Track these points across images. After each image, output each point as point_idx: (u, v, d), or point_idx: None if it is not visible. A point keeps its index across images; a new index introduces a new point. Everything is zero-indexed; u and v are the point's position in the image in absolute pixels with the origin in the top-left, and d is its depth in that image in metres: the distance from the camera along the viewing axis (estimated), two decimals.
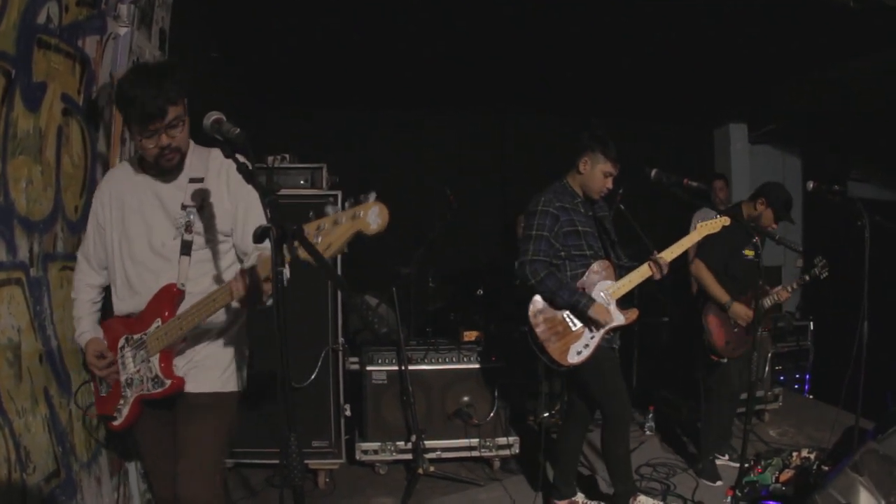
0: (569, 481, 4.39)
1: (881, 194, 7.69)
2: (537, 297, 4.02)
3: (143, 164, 2.80)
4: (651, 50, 6.13)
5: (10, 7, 2.57)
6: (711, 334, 4.84)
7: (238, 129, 2.35)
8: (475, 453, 5.22)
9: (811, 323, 7.07)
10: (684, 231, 5.02)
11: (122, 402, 2.78)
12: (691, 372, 5.33)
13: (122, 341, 2.79)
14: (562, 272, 4.04)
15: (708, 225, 4.16)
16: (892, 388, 5.65)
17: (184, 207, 2.72)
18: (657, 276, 4.04)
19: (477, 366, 5.25)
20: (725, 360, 4.91)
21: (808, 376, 7.17)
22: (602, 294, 4.05)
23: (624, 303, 4.14)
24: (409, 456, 5.09)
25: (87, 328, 2.88)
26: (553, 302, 4.00)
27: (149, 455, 2.96)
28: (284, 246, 1.98)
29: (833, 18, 5.14)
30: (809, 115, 8.15)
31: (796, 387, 7.16)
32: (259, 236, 2.03)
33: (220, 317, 2.74)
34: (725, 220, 4.18)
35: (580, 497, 4.38)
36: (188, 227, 2.72)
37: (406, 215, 7.12)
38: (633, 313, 4.11)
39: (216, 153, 2.69)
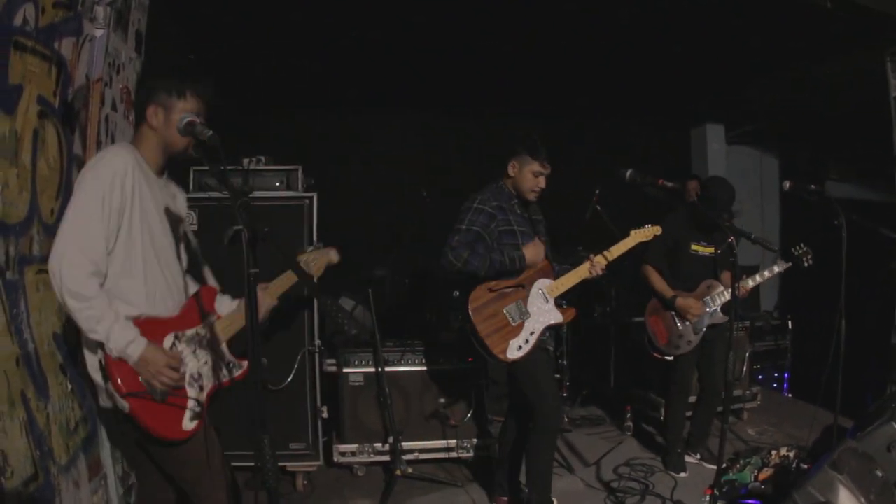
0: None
1: (859, 194, 7.74)
2: (476, 293, 3.94)
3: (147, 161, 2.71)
4: (627, 49, 6.12)
5: None
6: (654, 334, 5.02)
7: (211, 132, 2.36)
8: (453, 454, 5.19)
9: (789, 322, 7.11)
10: None
11: (192, 401, 2.66)
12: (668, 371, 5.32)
13: (169, 339, 2.65)
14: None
15: (641, 232, 4.25)
16: (871, 389, 5.68)
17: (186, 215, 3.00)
18: (593, 275, 4.08)
19: (453, 367, 5.22)
20: (671, 359, 5.02)
21: (786, 375, 7.21)
22: (541, 291, 4.08)
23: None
24: (386, 457, 5.05)
25: (136, 334, 2.52)
26: (488, 273, 3.92)
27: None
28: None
29: (809, 18, 5.15)
30: (787, 115, 8.19)
31: (775, 385, 7.19)
32: (231, 239, 2.05)
33: None
34: (657, 229, 4.27)
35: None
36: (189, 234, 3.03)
37: (380, 217, 7.12)
38: (571, 312, 4.15)
39: None
